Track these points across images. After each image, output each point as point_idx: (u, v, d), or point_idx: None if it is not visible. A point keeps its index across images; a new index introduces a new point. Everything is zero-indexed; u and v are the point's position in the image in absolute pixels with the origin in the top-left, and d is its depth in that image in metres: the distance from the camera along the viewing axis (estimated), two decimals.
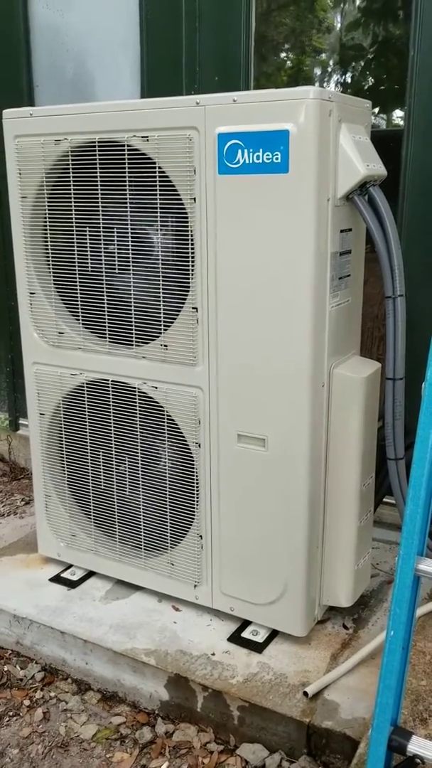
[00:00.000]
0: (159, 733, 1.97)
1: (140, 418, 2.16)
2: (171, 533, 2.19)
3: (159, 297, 2.03)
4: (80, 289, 2.18)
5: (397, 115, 2.62)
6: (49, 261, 2.22)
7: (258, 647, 2.06)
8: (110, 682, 2.11)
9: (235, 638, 2.10)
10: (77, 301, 2.19)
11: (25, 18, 3.06)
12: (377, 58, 2.59)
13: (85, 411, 2.26)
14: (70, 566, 2.47)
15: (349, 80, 2.67)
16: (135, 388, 2.14)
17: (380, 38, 2.56)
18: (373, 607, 2.26)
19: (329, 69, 2.71)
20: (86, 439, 2.29)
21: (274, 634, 2.11)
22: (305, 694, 1.87)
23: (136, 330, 2.10)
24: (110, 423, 2.22)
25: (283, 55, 2.78)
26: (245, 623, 2.15)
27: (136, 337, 2.10)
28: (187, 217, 1.92)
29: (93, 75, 3.02)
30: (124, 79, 2.92)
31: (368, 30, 2.57)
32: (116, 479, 2.26)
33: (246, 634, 2.11)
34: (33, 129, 2.11)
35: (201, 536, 2.13)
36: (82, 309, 2.19)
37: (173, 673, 1.98)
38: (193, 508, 2.12)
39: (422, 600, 2.14)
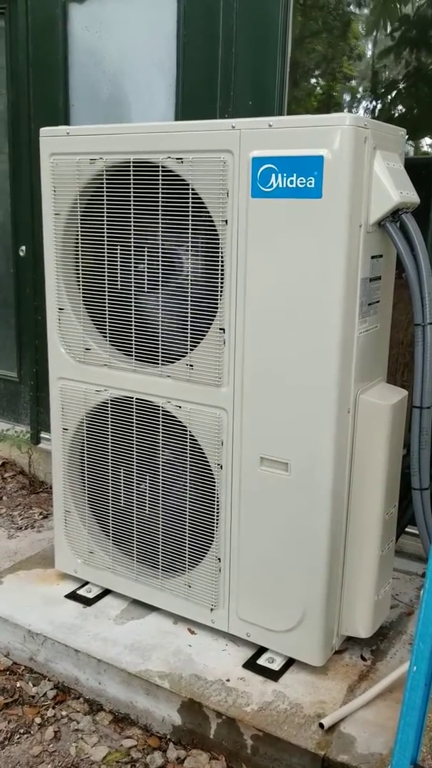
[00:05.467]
0: (170, 759, 1.94)
1: (163, 436, 2.16)
2: (189, 554, 2.17)
3: (186, 317, 2.03)
4: (108, 307, 2.19)
5: (427, 143, 2.62)
6: (79, 278, 2.24)
7: (274, 675, 2.03)
8: (123, 703, 2.08)
9: (251, 665, 2.07)
10: (105, 318, 2.21)
11: (65, 39, 3.12)
12: (408, 86, 2.60)
13: (108, 428, 2.27)
14: (86, 583, 2.46)
15: (378, 107, 2.68)
16: (159, 406, 2.14)
17: (411, 66, 2.57)
18: (392, 638, 2.22)
19: (359, 95, 2.73)
20: (108, 455, 2.29)
21: (290, 662, 2.08)
22: (321, 725, 1.84)
23: (162, 349, 2.10)
24: (133, 441, 2.22)
25: (313, 81, 2.80)
26: (261, 650, 2.11)
27: (162, 356, 2.11)
28: (218, 239, 1.93)
29: (128, 96, 3.07)
30: (159, 101, 2.95)
31: (399, 58, 2.59)
32: (136, 497, 2.26)
33: (262, 661, 2.08)
34: (69, 147, 2.14)
35: (219, 559, 2.11)
36: (109, 326, 2.20)
37: (187, 697, 1.96)
38: (213, 529, 2.11)
39: None
